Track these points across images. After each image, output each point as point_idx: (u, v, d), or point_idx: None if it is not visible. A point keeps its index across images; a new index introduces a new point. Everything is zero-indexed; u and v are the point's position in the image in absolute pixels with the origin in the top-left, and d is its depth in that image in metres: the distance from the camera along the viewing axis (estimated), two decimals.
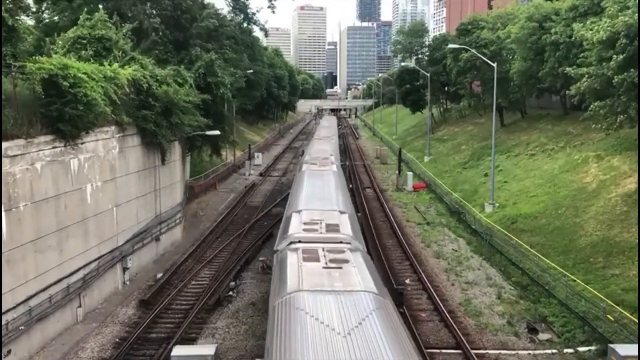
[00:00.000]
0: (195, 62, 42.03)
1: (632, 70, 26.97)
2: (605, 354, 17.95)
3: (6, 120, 18.11)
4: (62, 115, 20.55)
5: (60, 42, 28.75)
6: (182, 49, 44.82)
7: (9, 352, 18.06)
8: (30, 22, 40.47)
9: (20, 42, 27.23)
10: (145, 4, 43.31)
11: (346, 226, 19.00)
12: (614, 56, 27.62)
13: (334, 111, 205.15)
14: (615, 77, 27.25)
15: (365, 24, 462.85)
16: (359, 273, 13.67)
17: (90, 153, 23.06)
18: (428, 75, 73.58)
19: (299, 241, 16.99)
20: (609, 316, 20.19)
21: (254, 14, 54.16)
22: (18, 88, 19.68)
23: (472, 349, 19.51)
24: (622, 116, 28.60)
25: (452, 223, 38.02)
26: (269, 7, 53.96)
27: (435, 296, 24.28)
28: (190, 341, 20.30)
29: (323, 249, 15.82)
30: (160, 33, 42.38)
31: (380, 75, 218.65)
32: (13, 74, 19.75)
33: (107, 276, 24.69)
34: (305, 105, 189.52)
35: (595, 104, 30.05)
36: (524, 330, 21.45)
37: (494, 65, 41.38)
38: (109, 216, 24.85)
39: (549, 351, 19.75)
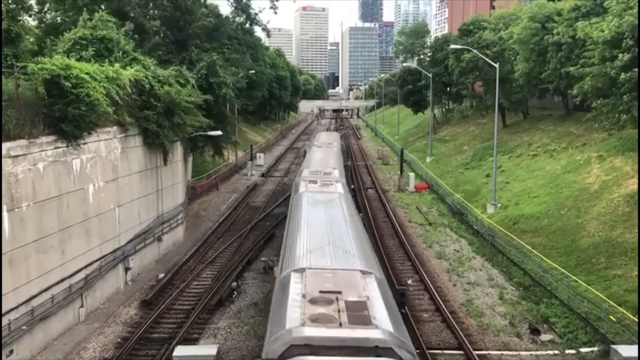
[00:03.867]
0: (196, 62, 42.12)
1: (634, 70, 26.92)
2: (607, 355, 17.90)
3: (9, 120, 18.16)
4: (65, 116, 20.60)
5: (62, 42, 28.79)
6: (183, 50, 44.90)
7: (11, 352, 18.09)
8: (33, 22, 40.63)
9: (22, 43, 27.32)
10: (147, 5, 43.40)
11: (335, 173, 30.11)
12: (620, 55, 27.55)
13: (336, 112, 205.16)
14: (622, 74, 27.16)
15: (367, 24, 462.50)
16: (336, 187, 25.03)
17: (93, 153, 23.10)
18: (430, 75, 73.58)
19: (306, 177, 27.70)
20: (611, 317, 20.15)
21: (256, 14, 54.26)
22: (20, 88, 19.73)
23: (474, 349, 19.49)
24: (625, 116, 28.56)
25: (454, 224, 37.99)
26: (271, 7, 54.03)
27: (437, 297, 24.26)
28: (192, 341, 20.32)
29: (319, 180, 26.57)
30: (162, 34, 42.47)
31: (382, 75, 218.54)
32: (15, 74, 19.80)
33: (109, 276, 24.72)
34: (307, 106, 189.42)
35: (599, 101, 30.03)
36: (526, 331, 21.43)
37: (496, 65, 41.38)
38: (111, 216, 24.88)
39: (551, 352, 19.72)
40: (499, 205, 37.99)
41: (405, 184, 52.13)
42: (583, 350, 19.57)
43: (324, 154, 40.16)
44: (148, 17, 42.46)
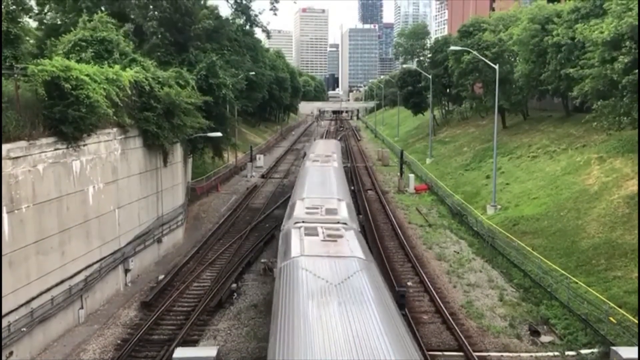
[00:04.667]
0: (196, 64, 42.13)
1: (635, 72, 26.92)
2: (607, 357, 17.88)
3: (9, 122, 18.17)
4: (65, 117, 20.61)
5: (62, 44, 28.82)
6: (183, 51, 44.94)
7: (11, 353, 18.07)
8: (33, 23, 40.69)
9: (22, 44, 27.35)
10: (147, 7, 43.44)
11: (343, 210, 21.55)
12: (620, 57, 27.54)
13: (336, 113, 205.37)
14: (625, 78, 27.12)
15: (367, 26, 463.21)
16: (352, 248, 15.71)
17: (92, 155, 23.10)
18: (430, 77, 73.63)
19: (300, 222, 19.52)
20: (611, 318, 20.14)
21: (256, 16, 54.28)
22: (20, 90, 19.73)
23: (474, 351, 19.48)
24: (625, 118, 28.57)
25: (454, 225, 37.98)
26: (271, 9, 54.10)
27: (437, 298, 24.24)
28: (192, 343, 20.30)
29: (322, 231, 17.95)
30: (160, 35, 42.49)
31: (382, 77, 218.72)
32: (15, 75, 19.81)
33: (109, 278, 24.71)
34: (306, 107, 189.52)
35: (599, 102, 30.04)
36: (526, 332, 21.41)
37: (496, 67, 41.40)
38: (111, 218, 24.87)
39: (551, 353, 19.71)
40: (499, 206, 37.99)
41: (405, 186, 52.13)
42: (583, 351, 19.55)
43: (322, 172, 31.42)
44: (148, 18, 42.47)
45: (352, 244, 16.39)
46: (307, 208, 21.47)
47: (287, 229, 19.18)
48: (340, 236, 17.19)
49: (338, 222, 19.31)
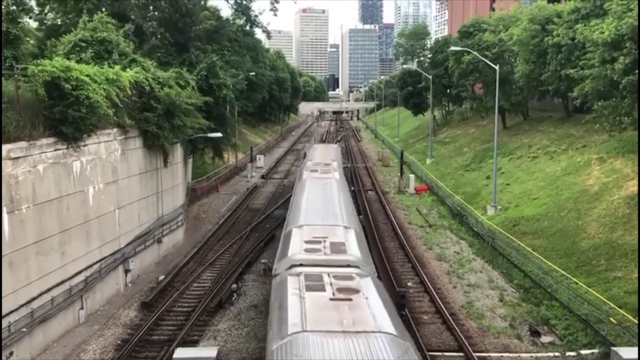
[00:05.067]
0: (196, 64, 42.15)
1: (635, 72, 26.92)
2: (607, 357, 17.86)
3: (9, 122, 18.17)
4: (65, 118, 20.61)
5: (62, 44, 28.83)
6: (184, 52, 44.97)
7: (11, 354, 18.07)
8: (33, 24, 40.71)
9: (22, 45, 27.39)
10: (147, 7, 43.47)
11: (353, 246, 17.37)
12: (621, 58, 27.52)
13: (336, 114, 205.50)
14: (625, 78, 27.09)
15: (367, 26, 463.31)
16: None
17: (93, 155, 23.10)
18: (430, 77, 73.63)
19: (296, 268, 15.35)
20: (611, 319, 20.13)
21: (256, 16, 54.28)
22: (21, 90, 19.74)
23: (474, 351, 19.47)
24: (626, 118, 28.56)
25: (454, 225, 37.97)
26: (271, 9, 54.08)
27: (437, 299, 24.23)
28: (192, 343, 20.29)
29: (329, 279, 13.84)
30: (160, 36, 42.51)
31: (382, 77, 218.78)
32: (15, 76, 19.82)
33: (109, 278, 24.70)
34: (307, 108, 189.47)
35: (600, 103, 30.04)
36: (526, 333, 21.40)
37: (496, 67, 41.39)
38: (111, 218, 24.86)
39: (551, 354, 19.70)
40: (499, 207, 37.98)
41: (405, 186, 52.12)
42: (583, 352, 19.54)
43: (322, 187, 27.17)
44: (147, 18, 42.51)
45: (373, 306, 11.90)
46: (307, 242, 17.17)
47: (281, 276, 14.76)
48: (356, 291, 12.90)
49: (349, 265, 15.13)
